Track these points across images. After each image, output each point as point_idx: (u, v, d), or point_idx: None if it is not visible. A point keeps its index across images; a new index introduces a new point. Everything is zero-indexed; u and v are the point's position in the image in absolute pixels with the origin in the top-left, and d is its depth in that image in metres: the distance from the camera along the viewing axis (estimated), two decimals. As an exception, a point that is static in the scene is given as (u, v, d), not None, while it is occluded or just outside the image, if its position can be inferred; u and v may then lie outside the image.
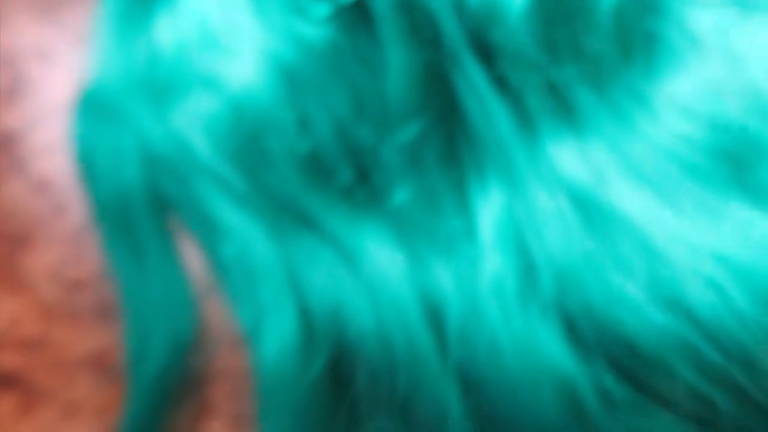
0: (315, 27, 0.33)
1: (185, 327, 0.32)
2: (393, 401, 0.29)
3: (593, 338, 0.29)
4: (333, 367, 0.30)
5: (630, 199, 0.32)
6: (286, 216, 0.33)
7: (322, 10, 0.33)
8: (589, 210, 0.31)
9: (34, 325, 0.33)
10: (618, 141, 0.34)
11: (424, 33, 0.32)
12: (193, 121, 0.35)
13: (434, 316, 0.30)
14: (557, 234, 0.30)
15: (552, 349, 0.29)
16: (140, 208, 0.34)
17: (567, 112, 0.34)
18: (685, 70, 0.35)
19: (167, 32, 0.36)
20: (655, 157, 0.33)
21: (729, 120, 0.33)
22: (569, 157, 0.32)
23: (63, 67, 0.40)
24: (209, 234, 0.33)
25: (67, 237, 0.35)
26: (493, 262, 0.30)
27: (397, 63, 0.32)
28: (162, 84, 0.36)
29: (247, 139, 0.34)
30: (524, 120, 0.32)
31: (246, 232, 0.32)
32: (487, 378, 0.29)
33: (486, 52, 0.33)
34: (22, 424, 0.31)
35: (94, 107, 0.37)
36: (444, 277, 0.31)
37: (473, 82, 0.32)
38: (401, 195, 0.33)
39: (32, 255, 0.34)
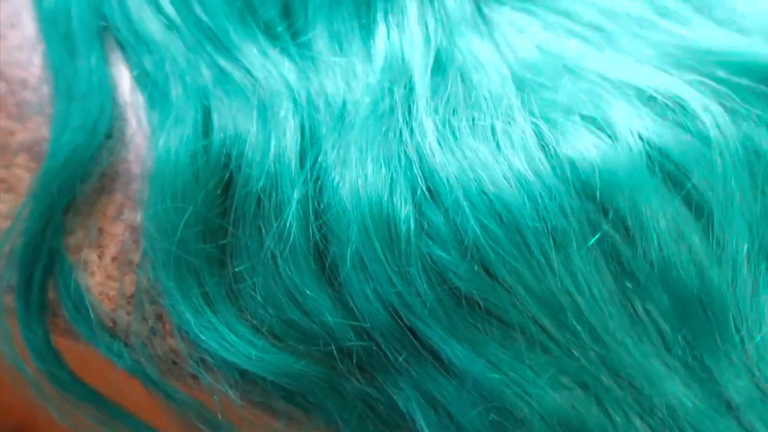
0: None
1: (102, 119, 0.35)
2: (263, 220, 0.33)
3: None
4: (217, 173, 0.33)
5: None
6: (208, 41, 0.36)
7: None
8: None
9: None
10: None
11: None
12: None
13: (313, 144, 0.34)
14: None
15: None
16: (80, 18, 0.37)
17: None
18: None
19: None
20: None
21: None
22: None
23: None
24: (137, 46, 0.37)
25: (18, 44, 0.38)
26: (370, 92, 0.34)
27: None
28: None
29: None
30: None
31: (168, 47, 0.36)
32: (327, 188, 0.32)
33: None
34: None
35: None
36: (328, 107, 0.35)
37: None
38: (315, 36, 0.36)
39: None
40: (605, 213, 0.30)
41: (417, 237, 0.31)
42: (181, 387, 0.34)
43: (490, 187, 0.31)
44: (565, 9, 0.37)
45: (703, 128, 0.30)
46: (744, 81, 0.32)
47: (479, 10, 0.38)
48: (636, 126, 0.30)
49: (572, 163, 0.30)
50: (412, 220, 0.31)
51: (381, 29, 0.36)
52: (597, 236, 0.29)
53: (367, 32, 0.37)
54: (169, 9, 0.37)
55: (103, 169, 0.36)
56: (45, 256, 0.33)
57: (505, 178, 0.31)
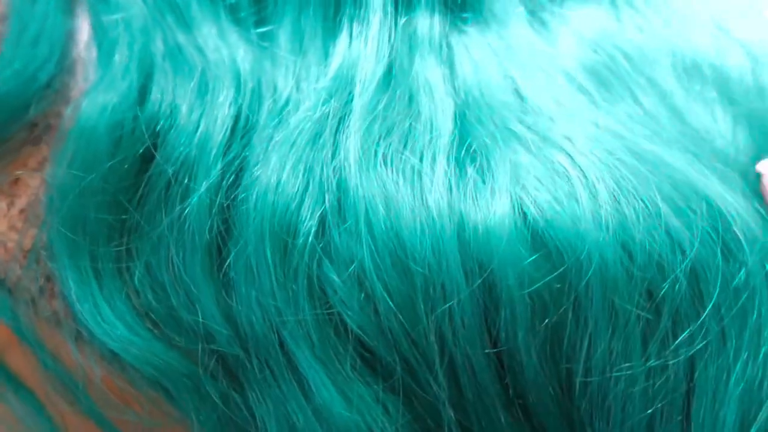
0: None
1: (46, 68, 0.35)
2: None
3: None
4: (140, 142, 0.33)
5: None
6: (170, 11, 0.36)
7: None
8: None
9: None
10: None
11: None
12: None
13: (243, 132, 0.33)
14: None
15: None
16: None
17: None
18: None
19: None
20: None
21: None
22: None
23: None
24: (97, 2, 0.36)
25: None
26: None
27: None
28: None
29: None
30: None
31: (129, 8, 0.35)
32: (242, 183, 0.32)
33: None
34: None
35: None
36: (268, 102, 0.34)
37: None
38: (279, 28, 0.36)
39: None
40: (480, 273, 0.28)
41: (311, 254, 0.30)
42: (59, 353, 0.33)
43: (392, 222, 0.30)
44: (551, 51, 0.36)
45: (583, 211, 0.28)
46: None
47: (450, 32, 0.36)
48: (518, 193, 0.29)
49: (464, 220, 0.29)
50: (311, 236, 0.30)
51: (343, 36, 0.35)
52: (466, 293, 0.28)
53: (330, 35, 0.36)
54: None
55: (35, 119, 0.35)
56: (-49, 195, 0.33)
57: (411, 216, 0.30)
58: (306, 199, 0.31)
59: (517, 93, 0.34)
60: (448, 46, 0.36)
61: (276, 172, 0.31)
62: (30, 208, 0.34)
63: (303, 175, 0.31)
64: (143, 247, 0.32)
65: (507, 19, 0.37)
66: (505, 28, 0.36)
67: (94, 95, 0.33)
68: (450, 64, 0.35)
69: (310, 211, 0.31)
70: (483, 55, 0.35)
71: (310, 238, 0.30)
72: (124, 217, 0.32)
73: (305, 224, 0.30)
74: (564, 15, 0.37)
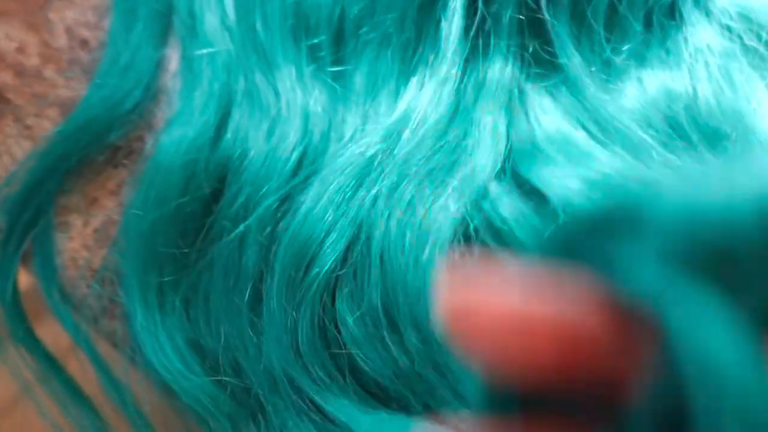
0: None
1: (133, 94, 0.37)
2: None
3: None
4: (212, 177, 0.34)
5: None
6: (254, 50, 0.37)
7: None
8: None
9: (35, 58, 0.39)
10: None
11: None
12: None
13: (306, 173, 0.34)
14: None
15: None
16: (147, 12, 0.39)
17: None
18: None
19: None
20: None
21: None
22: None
23: None
24: (188, 35, 0.38)
25: (95, 5, 0.40)
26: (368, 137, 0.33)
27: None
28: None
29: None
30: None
31: (217, 44, 0.37)
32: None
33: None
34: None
35: None
36: (337, 143, 0.34)
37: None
38: (356, 69, 0.36)
39: (61, 7, 0.40)
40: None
41: (323, 287, 0.31)
42: (115, 370, 0.35)
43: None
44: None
45: None
46: None
47: (521, 83, 0.36)
48: None
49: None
50: (326, 270, 0.31)
51: (414, 80, 0.35)
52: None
53: (403, 79, 0.36)
54: (230, 8, 0.38)
55: (118, 142, 0.37)
56: (33, 209, 0.35)
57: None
58: (331, 235, 0.31)
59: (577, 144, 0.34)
60: (516, 95, 0.35)
61: (311, 204, 0.32)
62: (103, 229, 0.35)
63: (335, 210, 0.32)
64: (202, 281, 0.33)
65: (579, 76, 0.36)
66: (575, 85, 0.36)
67: (172, 130, 0.35)
68: (511, 113, 0.35)
69: (332, 246, 0.31)
70: (548, 106, 0.35)
71: (323, 274, 0.31)
72: (189, 251, 0.33)
73: (326, 258, 0.31)
74: (635, 74, 0.37)
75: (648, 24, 0.38)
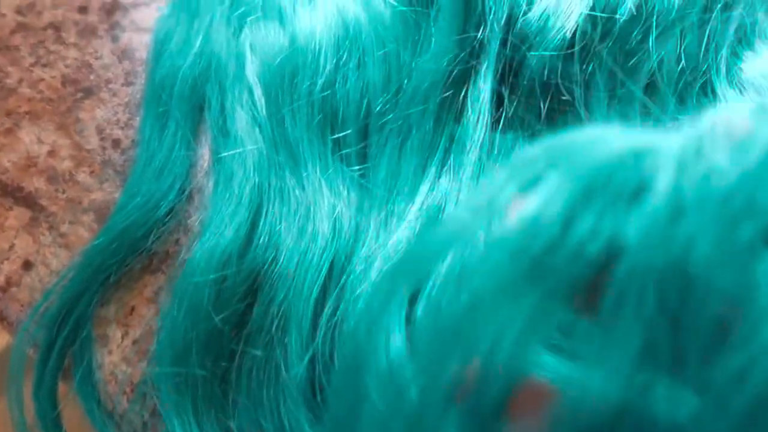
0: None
1: (168, 197, 0.36)
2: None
3: None
4: (244, 286, 0.33)
5: None
6: (283, 147, 0.36)
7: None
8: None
9: (67, 161, 0.38)
10: None
11: (468, 31, 0.34)
12: (254, 39, 0.39)
13: (338, 277, 0.33)
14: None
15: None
16: (181, 93, 0.39)
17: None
18: None
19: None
20: None
21: None
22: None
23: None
24: (219, 134, 0.37)
25: (125, 102, 0.40)
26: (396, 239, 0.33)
27: (436, 48, 0.34)
28: (247, 5, 0.40)
29: (286, 71, 0.37)
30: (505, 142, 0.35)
31: (246, 143, 0.36)
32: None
33: (512, 66, 0.34)
34: (20, 238, 0.37)
35: (184, 1, 0.41)
36: (364, 243, 0.34)
37: (482, 92, 0.34)
38: (378, 163, 0.35)
39: (91, 106, 0.40)
40: None
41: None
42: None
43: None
44: None
45: None
46: None
47: None
48: None
49: None
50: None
51: (432, 176, 0.35)
52: None
53: (421, 175, 0.35)
54: (261, 103, 0.37)
55: (155, 247, 0.36)
56: (72, 323, 0.34)
57: None
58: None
59: None
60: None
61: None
62: (143, 339, 0.35)
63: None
64: (240, 401, 0.32)
65: None
66: None
67: (204, 240, 0.34)
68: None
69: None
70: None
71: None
72: (227, 365, 0.33)
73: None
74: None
75: (681, 99, 0.37)
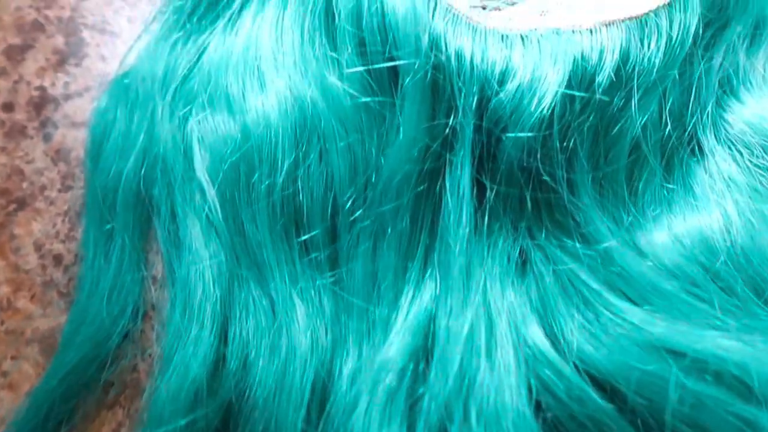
0: (344, 81, 0.32)
1: (121, 321, 0.33)
2: None
3: None
4: (217, 423, 0.30)
5: None
6: (244, 257, 0.33)
7: (355, 67, 0.32)
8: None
9: (4, 287, 0.34)
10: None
11: (438, 118, 0.31)
12: (202, 133, 0.35)
13: (322, 401, 0.30)
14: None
15: None
16: (126, 200, 0.35)
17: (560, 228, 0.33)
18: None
19: (216, 46, 0.37)
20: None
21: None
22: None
23: (119, 42, 0.41)
24: (172, 246, 0.34)
25: (64, 210, 0.36)
26: (387, 357, 0.30)
27: (402, 141, 0.31)
28: (189, 90, 0.37)
29: (241, 168, 0.34)
30: (491, 234, 0.32)
31: (203, 252, 0.33)
32: None
33: (489, 151, 0.31)
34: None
35: (122, 91, 0.38)
36: (346, 358, 0.31)
37: (460, 183, 0.30)
38: (352, 268, 0.32)
39: (26, 219, 0.36)
40: None
41: None
42: None
43: None
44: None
45: None
46: None
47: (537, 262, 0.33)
48: None
49: None
50: None
51: (411, 285, 0.32)
52: None
53: (403, 283, 0.32)
54: (216, 210, 0.34)
55: (111, 377, 0.33)
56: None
57: None
58: None
59: None
60: (530, 279, 0.32)
61: None
62: (104, 487, 0.31)
63: None
64: None
65: (607, 242, 0.33)
66: (606, 254, 0.32)
67: (168, 376, 0.30)
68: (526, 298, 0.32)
69: None
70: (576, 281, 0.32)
71: None
72: None
73: None
74: (666, 222, 0.33)
75: (668, 164, 0.35)
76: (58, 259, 0.35)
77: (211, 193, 0.34)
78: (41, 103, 0.39)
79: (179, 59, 0.37)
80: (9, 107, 0.38)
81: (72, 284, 0.35)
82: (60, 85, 0.39)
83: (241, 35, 0.36)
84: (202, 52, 0.37)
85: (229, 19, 0.37)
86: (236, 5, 0.37)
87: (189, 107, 0.36)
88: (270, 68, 0.35)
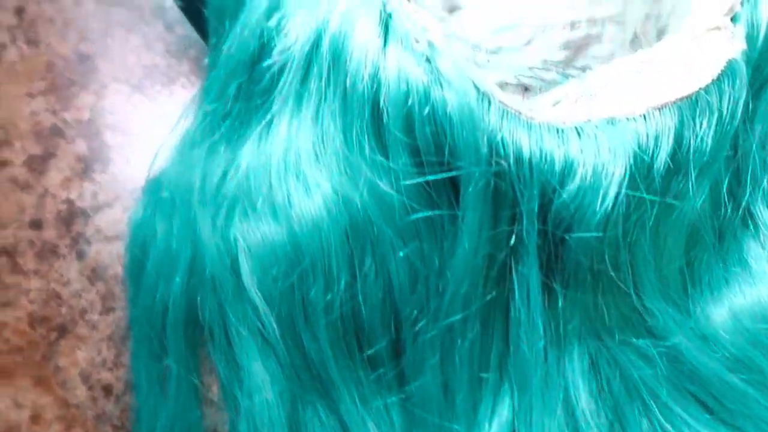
0: (397, 186, 0.31)
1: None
2: None
3: None
4: None
5: None
6: (306, 377, 0.32)
7: (411, 177, 0.31)
8: None
9: (56, 425, 0.33)
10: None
11: (501, 228, 0.30)
12: (247, 243, 0.33)
13: None
14: None
15: None
16: (176, 325, 0.33)
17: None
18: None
19: (253, 149, 0.35)
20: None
21: None
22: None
23: (142, 145, 0.39)
24: (230, 371, 0.32)
25: (108, 335, 0.35)
26: None
27: (467, 250, 0.30)
28: (230, 197, 0.35)
29: (295, 282, 0.32)
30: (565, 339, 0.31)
31: (262, 385, 0.31)
32: None
33: (555, 253, 0.31)
34: None
35: (157, 200, 0.36)
36: None
37: (530, 294, 0.30)
38: (423, 383, 0.31)
39: (70, 348, 0.34)
40: None
41: None
42: None
43: None
44: None
45: None
46: None
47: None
48: None
49: None
50: None
51: (489, 399, 0.31)
52: None
53: (480, 394, 0.31)
54: (272, 328, 0.32)
55: None
56: None
57: None
58: None
59: None
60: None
61: None
62: None
63: None
64: None
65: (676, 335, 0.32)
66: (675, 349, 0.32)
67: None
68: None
69: None
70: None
71: None
72: None
73: None
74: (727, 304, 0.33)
75: (721, 240, 0.35)
76: (107, 389, 0.34)
77: (263, 308, 0.32)
78: (70, 217, 0.37)
79: (215, 165, 0.36)
80: (37, 224, 0.37)
81: (125, 415, 0.33)
82: (88, 195, 0.38)
83: (279, 138, 0.35)
84: (239, 157, 0.36)
85: (265, 123, 0.36)
86: (271, 107, 0.36)
87: (230, 216, 0.35)
88: (313, 170, 0.33)
